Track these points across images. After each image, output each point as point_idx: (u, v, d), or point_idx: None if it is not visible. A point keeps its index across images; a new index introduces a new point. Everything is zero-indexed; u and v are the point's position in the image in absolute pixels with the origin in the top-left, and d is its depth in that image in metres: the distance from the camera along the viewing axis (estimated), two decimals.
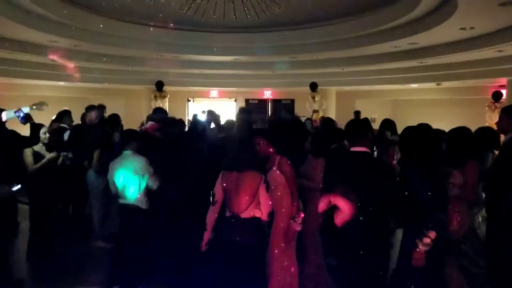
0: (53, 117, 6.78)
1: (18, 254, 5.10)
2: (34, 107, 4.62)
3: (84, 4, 7.92)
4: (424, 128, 4.20)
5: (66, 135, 5.93)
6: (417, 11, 7.12)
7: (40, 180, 5.02)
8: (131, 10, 8.21)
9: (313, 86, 12.57)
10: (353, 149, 3.43)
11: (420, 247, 3.07)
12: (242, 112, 5.60)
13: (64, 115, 6.62)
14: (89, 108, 6.05)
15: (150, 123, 5.94)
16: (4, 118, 4.29)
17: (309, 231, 4.27)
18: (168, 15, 8.02)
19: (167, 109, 13.51)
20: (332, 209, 3.35)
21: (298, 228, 3.82)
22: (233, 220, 3.54)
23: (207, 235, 3.67)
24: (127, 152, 4.43)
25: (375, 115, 12.51)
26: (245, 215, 3.51)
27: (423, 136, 3.58)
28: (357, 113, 11.91)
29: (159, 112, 6.34)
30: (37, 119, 5.10)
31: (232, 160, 3.62)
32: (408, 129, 3.63)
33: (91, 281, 4.70)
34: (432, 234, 3.04)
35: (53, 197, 5.36)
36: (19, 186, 3.31)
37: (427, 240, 3.04)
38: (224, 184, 3.59)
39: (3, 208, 4.11)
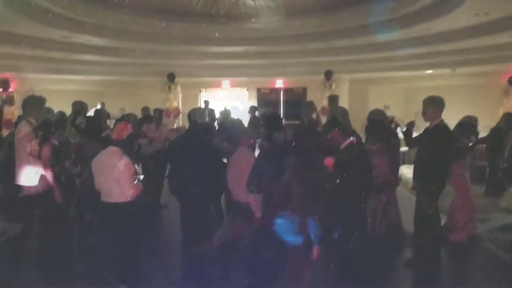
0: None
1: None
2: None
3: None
4: None
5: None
6: None
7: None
8: (143, 3, 8.23)
9: (329, 74, 12.48)
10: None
11: None
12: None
13: None
14: None
15: None
16: None
17: None
18: (179, 6, 8.03)
19: (179, 100, 13.78)
20: None
21: None
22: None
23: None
24: None
25: (388, 102, 12.40)
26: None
27: None
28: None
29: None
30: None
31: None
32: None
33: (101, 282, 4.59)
34: None
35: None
36: None
37: None
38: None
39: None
